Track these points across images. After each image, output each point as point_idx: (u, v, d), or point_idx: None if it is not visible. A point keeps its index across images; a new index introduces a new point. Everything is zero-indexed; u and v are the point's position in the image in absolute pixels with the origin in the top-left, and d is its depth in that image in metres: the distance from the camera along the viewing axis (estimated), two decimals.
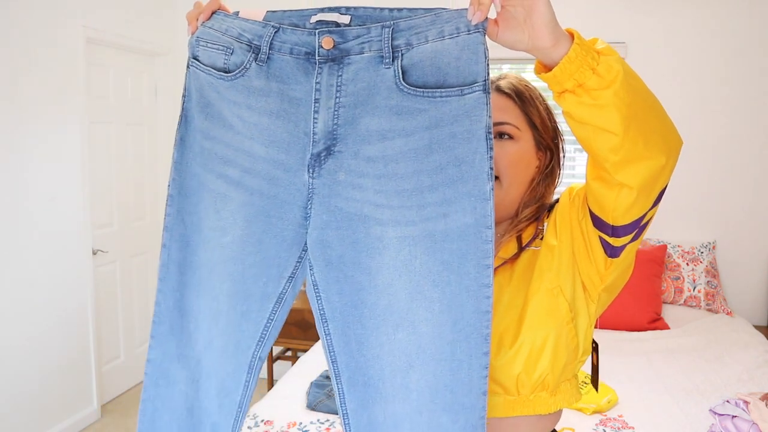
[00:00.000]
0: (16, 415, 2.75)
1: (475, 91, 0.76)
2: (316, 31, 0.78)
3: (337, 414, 1.60)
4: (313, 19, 0.79)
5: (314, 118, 0.79)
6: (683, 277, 3.09)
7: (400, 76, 0.76)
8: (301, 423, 2.01)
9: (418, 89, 0.76)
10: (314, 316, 0.84)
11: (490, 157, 0.76)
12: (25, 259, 2.78)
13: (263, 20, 0.81)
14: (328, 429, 1.96)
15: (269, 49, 0.80)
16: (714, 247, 3.16)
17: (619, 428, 1.96)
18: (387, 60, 0.76)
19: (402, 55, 0.76)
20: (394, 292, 0.79)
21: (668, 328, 2.89)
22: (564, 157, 1.06)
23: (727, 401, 2.03)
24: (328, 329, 0.83)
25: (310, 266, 0.82)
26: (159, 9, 3.61)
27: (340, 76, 0.78)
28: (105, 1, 3.18)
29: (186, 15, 0.87)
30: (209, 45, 0.84)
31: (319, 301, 0.83)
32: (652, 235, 3.24)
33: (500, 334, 0.93)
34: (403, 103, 0.76)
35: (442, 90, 0.76)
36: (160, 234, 3.98)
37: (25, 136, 2.75)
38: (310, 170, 0.80)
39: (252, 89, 0.81)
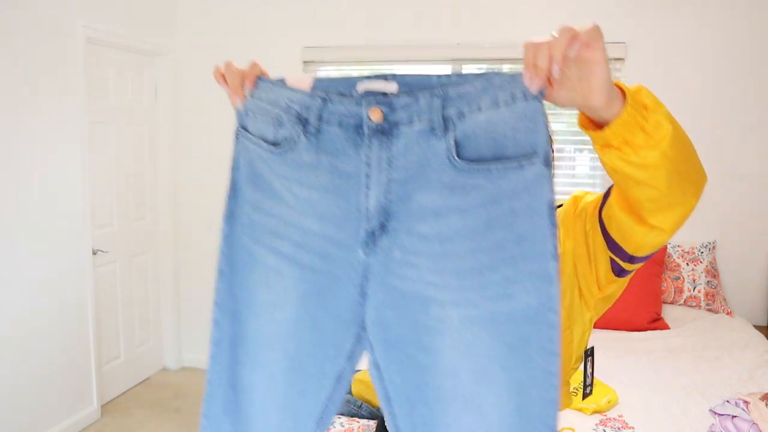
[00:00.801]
0: (16, 415, 2.75)
1: (534, 164, 0.72)
2: (363, 101, 0.74)
3: (336, 414, 1.59)
4: (360, 87, 0.75)
5: (366, 193, 0.76)
6: (683, 277, 3.09)
7: (453, 150, 0.72)
8: None
9: (473, 164, 0.72)
10: (377, 395, 0.81)
11: (554, 234, 0.72)
12: (25, 259, 2.78)
13: (311, 89, 0.78)
14: (329, 429, 1.96)
15: (318, 121, 0.77)
16: (714, 247, 3.16)
17: (619, 428, 1.96)
18: (438, 132, 0.72)
19: (454, 125, 0.72)
20: (458, 374, 0.76)
21: (668, 328, 2.89)
22: (554, 158, 1.05)
23: (727, 401, 2.03)
24: (393, 410, 0.81)
25: (370, 346, 0.80)
26: (159, 9, 3.61)
27: (390, 149, 0.74)
28: (105, 1, 3.18)
29: (225, 78, 0.83)
30: (258, 116, 0.82)
31: (382, 382, 0.81)
32: None
33: None
34: (457, 179, 0.72)
35: (499, 163, 0.72)
36: (160, 234, 3.99)
37: (26, 136, 2.75)
38: (365, 247, 0.77)
39: (302, 164, 0.78)
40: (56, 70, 2.89)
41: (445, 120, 0.72)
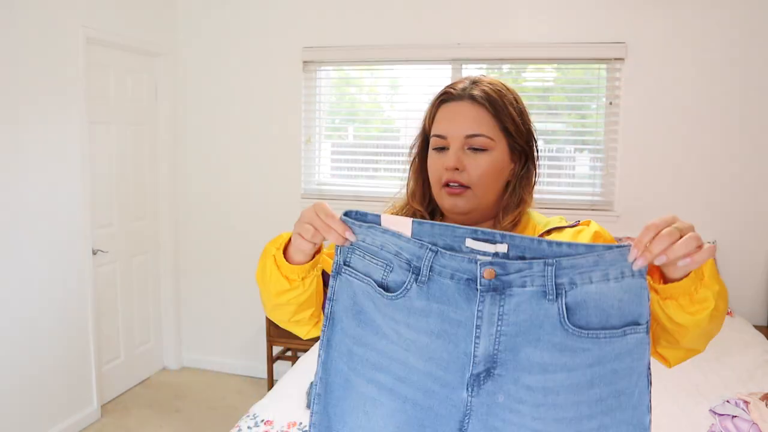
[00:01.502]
0: (16, 415, 2.75)
1: (638, 333, 0.79)
2: (478, 262, 0.80)
3: None
4: (468, 243, 0.81)
5: (475, 342, 0.81)
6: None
7: (565, 315, 0.78)
8: (301, 423, 2.01)
9: (582, 330, 0.78)
10: None
11: (650, 390, 0.80)
12: (25, 259, 2.78)
13: (412, 234, 0.83)
14: None
15: (429, 272, 0.82)
16: (714, 247, 3.15)
17: None
18: (550, 297, 0.79)
19: (565, 292, 0.78)
20: None
21: None
22: (539, 157, 1.06)
23: (727, 401, 2.03)
24: None
25: None
26: (159, 9, 3.61)
27: (502, 306, 0.80)
28: (105, 1, 3.18)
29: (328, 227, 0.85)
30: (367, 256, 0.86)
31: None
32: None
33: None
34: (566, 342, 0.79)
35: (606, 331, 0.78)
36: (160, 234, 4.00)
37: (25, 136, 2.75)
38: (469, 389, 0.81)
39: (413, 309, 0.83)
40: (56, 70, 2.89)
41: (558, 287, 0.79)
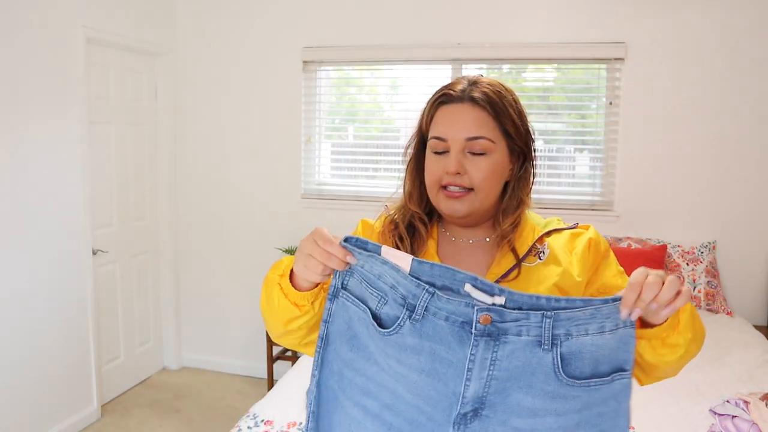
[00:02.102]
0: (16, 415, 2.75)
1: (624, 378, 0.82)
2: (475, 307, 0.80)
3: None
4: (467, 288, 0.81)
5: (465, 384, 0.81)
6: (683, 277, 3.09)
7: (559, 365, 0.80)
8: (301, 423, 2.01)
9: (576, 380, 0.80)
10: None
11: (629, 428, 0.85)
12: (25, 259, 2.78)
13: (411, 271, 0.83)
14: None
15: (424, 311, 0.82)
16: (714, 247, 3.16)
17: None
18: (546, 347, 0.80)
19: (561, 343, 0.80)
20: None
21: None
22: (536, 156, 1.06)
23: (727, 401, 2.03)
24: None
25: None
26: (159, 9, 3.61)
27: (496, 351, 0.80)
28: (105, 1, 3.18)
29: (327, 255, 0.85)
30: (363, 283, 0.86)
31: None
32: (652, 234, 3.24)
33: None
34: (559, 390, 0.80)
35: (597, 379, 0.81)
36: (160, 234, 4.00)
37: (25, 136, 2.75)
38: (455, 427, 0.82)
39: (404, 346, 0.83)
40: (56, 70, 2.89)
41: (554, 337, 0.80)
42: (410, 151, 1.08)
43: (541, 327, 0.79)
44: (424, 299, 0.82)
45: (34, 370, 2.84)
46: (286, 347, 1.03)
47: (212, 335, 3.93)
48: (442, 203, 1.00)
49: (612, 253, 1.05)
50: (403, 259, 0.83)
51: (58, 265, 2.96)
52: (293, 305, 0.91)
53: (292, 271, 0.91)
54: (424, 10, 3.41)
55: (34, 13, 2.75)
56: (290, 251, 3.53)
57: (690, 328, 0.86)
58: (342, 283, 0.88)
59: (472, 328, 0.80)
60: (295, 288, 0.91)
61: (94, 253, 3.21)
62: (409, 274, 0.83)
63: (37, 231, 2.83)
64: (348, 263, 0.86)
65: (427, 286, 0.82)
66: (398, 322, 0.83)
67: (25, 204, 2.77)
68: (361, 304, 0.86)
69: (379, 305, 0.85)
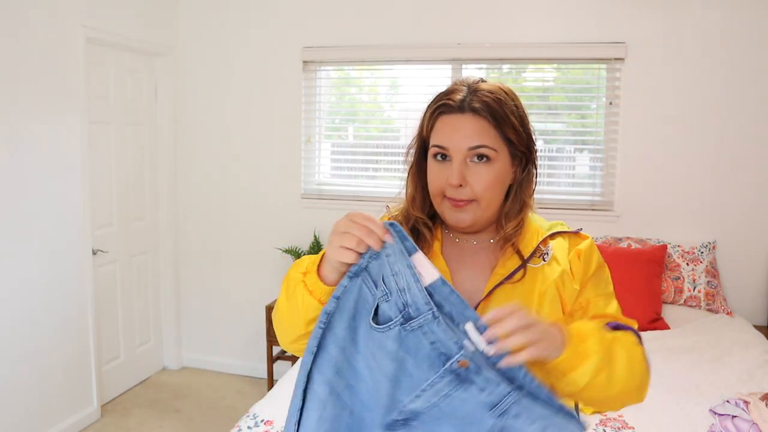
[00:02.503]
0: (16, 415, 2.75)
1: None
2: (461, 351, 0.83)
3: None
4: (467, 327, 0.83)
5: (413, 400, 0.85)
6: (683, 277, 3.09)
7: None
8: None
9: None
10: None
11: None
12: (25, 258, 2.78)
13: (430, 285, 0.85)
14: None
15: (418, 328, 0.85)
16: (714, 247, 3.16)
17: (619, 428, 1.96)
18: (494, 413, 0.83)
19: (508, 417, 0.83)
20: None
21: (668, 328, 2.89)
22: (537, 157, 1.05)
23: (727, 401, 2.03)
24: None
25: None
26: (159, 9, 3.61)
27: (454, 390, 0.84)
28: (105, 1, 3.18)
29: (366, 230, 0.87)
30: (382, 271, 0.87)
31: None
32: (652, 234, 3.24)
33: None
34: None
35: None
36: (160, 234, 4.00)
37: (25, 137, 2.75)
38: (385, 429, 0.86)
39: (384, 347, 0.86)
40: (56, 70, 2.89)
41: (506, 411, 0.83)
42: (412, 154, 1.08)
43: (503, 398, 0.83)
44: (424, 318, 0.84)
45: (34, 370, 2.84)
46: (296, 354, 1.02)
47: (212, 335, 3.93)
48: (446, 213, 1.00)
49: (607, 272, 1.05)
50: (429, 272, 0.86)
51: (58, 265, 2.96)
52: (318, 302, 0.91)
53: (317, 267, 0.92)
54: (424, 10, 3.41)
55: (34, 13, 2.75)
56: (290, 251, 3.53)
57: (580, 374, 0.87)
58: (368, 264, 0.88)
59: (446, 364, 0.83)
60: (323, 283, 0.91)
61: (94, 253, 3.21)
62: (426, 287, 0.85)
63: (37, 231, 2.83)
64: (384, 242, 0.86)
65: (433, 308, 0.84)
66: (389, 324, 0.85)
67: (25, 204, 2.77)
68: (374, 289, 0.88)
69: (381, 299, 0.86)
